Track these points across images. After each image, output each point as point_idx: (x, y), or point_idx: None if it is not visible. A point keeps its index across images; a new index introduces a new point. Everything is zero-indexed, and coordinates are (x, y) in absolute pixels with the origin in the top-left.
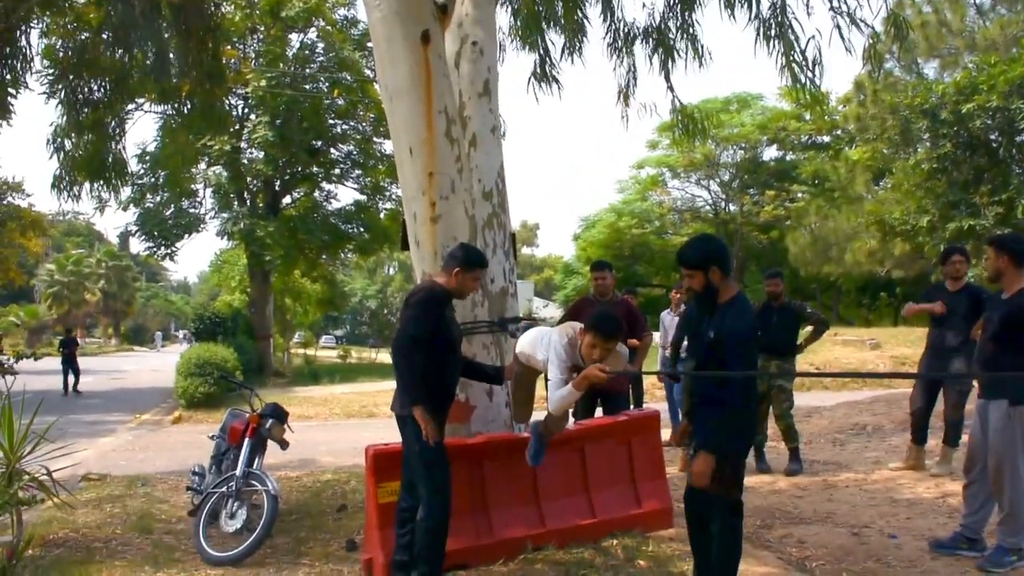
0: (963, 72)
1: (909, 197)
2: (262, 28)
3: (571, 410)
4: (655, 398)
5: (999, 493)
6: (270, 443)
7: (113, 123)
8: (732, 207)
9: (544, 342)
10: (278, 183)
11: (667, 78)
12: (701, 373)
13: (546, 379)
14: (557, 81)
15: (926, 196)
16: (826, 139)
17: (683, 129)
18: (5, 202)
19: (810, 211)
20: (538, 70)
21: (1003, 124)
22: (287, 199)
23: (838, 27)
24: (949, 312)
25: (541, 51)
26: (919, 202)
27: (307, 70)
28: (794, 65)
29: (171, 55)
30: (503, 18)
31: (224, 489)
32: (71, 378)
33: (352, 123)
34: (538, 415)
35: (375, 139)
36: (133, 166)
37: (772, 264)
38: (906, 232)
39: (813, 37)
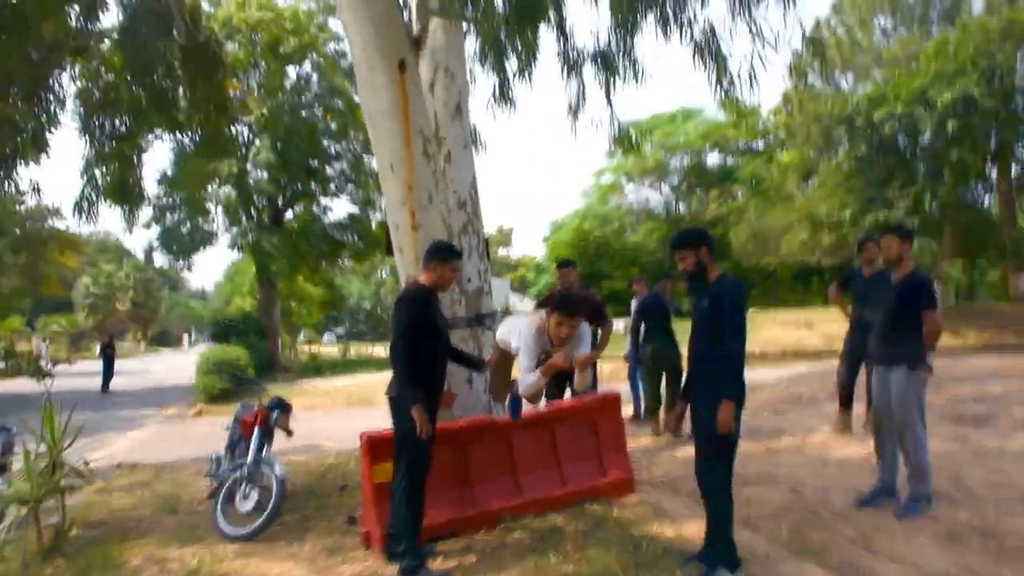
0: (873, 84)
1: (833, 194)
2: (263, 63)
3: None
4: (620, 379)
5: (904, 450)
6: (277, 431)
7: (133, 153)
8: (681, 207)
9: (516, 331)
10: (280, 199)
11: (607, 97)
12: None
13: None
14: (513, 102)
15: (847, 193)
16: (761, 145)
17: (620, 144)
18: (47, 225)
19: (749, 209)
20: (497, 92)
21: (908, 128)
22: (289, 213)
23: (758, 53)
24: (866, 293)
25: (500, 75)
26: (841, 198)
27: (303, 98)
28: (724, 82)
29: (181, 90)
30: (471, 44)
31: (238, 474)
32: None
33: (344, 143)
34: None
35: (365, 157)
36: (153, 188)
37: (718, 257)
38: (832, 225)
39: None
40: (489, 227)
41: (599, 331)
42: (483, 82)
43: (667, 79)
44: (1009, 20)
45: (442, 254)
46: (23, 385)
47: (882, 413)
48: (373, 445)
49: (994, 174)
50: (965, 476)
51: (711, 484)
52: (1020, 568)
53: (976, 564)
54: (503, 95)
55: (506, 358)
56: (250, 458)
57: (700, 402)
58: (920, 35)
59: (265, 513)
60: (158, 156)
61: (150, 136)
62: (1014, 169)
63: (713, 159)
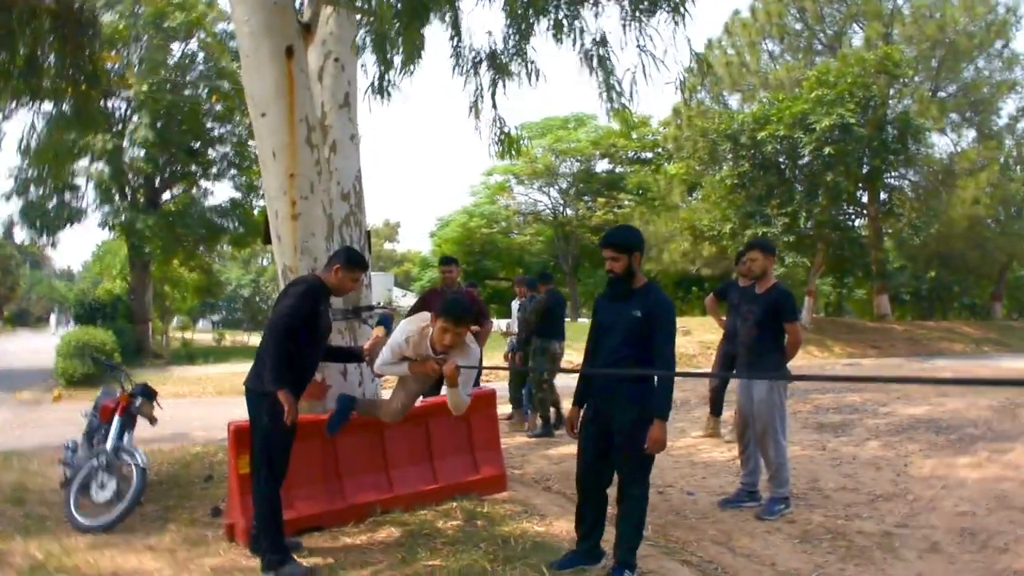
0: (759, 105)
1: (715, 207)
2: (145, 36)
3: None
4: (499, 378)
5: (765, 454)
6: (141, 419)
7: None
8: (569, 211)
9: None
10: (158, 180)
11: (493, 99)
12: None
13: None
14: (389, 94)
15: (729, 207)
16: (649, 156)
17: (501, 146)
18: None
19: (635, 217)
20: (375, 83)
21: (789, 150)
22: (167, 195)
23: (643, 66)
24: (739, 304)
25: (382, 68)
26: (723, 212)
27: (188, 77)
28: (612, 91)
29: (50, 58)
30: (363, 35)
31: (95, 462)
32: None
33: (229, 127)
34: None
35: (250, 142)
36: (16, 160)
37: (601, 262)
38: (713, 236)
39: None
40: (375, 220)
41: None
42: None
43: (566, 84)
44: (884, 55)
45: (348, 261)
46: None
47: (746, 419)
48: (240, 435)
49: (865, 198)
50: (822, 480)
51: (634, 497)
52: (864, 565)
53: (826, 562)
54: (382, 88)
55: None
56: (109, 445)
57: (620, 416)
58: (804, 62)
59: (123, 503)
60: (20, 124)
61: (13, 104)
62: (882, 195)
63: (602, 166)
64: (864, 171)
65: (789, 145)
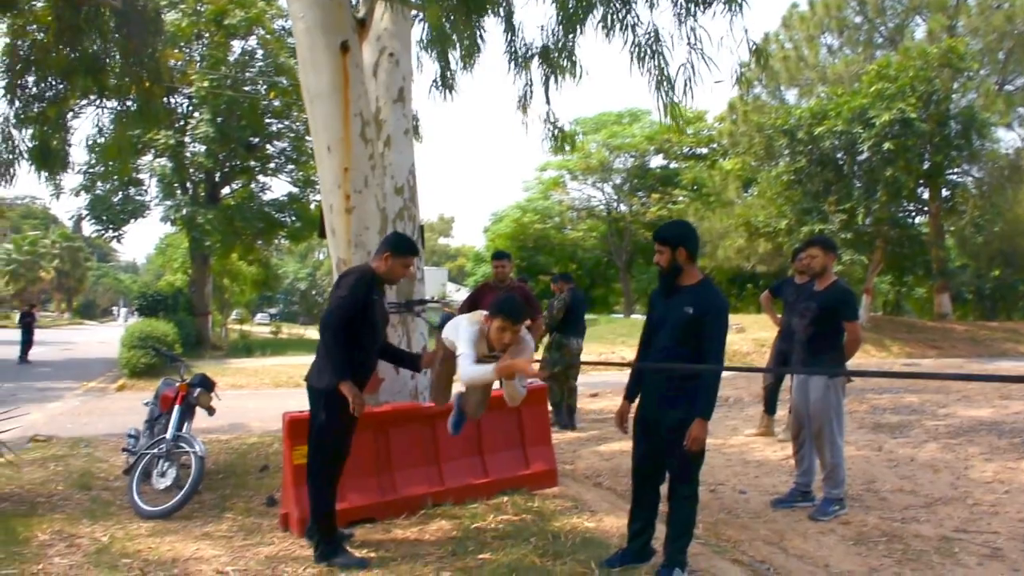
0: (816, 100)
1: (771, 203)
2: (207, 34)
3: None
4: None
5: (821, 454)
6: (199, 409)
7: (60, 116)
8: (623, 207)
9: (454, 326)
10: (218, 175)
11: (546, 94)
12: (666, 366)
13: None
14: (453, 89)
15: (785, 203)
16: (704, 151)
17: (554, 141)
18: None
19: (689, 213)
20: (438, 79)
21: (847, 145)
22: (226, 189)
23: (700, 58)
24: (795, 302)
25: (442, 63)
26: (779, 208)
27: (247, 73)
28: (663, 87)
29: (116, 55)
30: (418, 30)
31: (156, 450)
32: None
33: (287, 122)
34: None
35: (307, 137)
36: (84, 156)
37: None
38: (768, 233)
39: (682, 64)
40: (430, 215)
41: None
42: (429, 69)
43: (621, 78)
44: (948, 48)
45: (396, 247)
46: None
47: (801, 418)
48: (295, 426)
49: (926, 194)
50: (878, 482)
51: (683, 495)
52: (921, 570)
53: (881, 566)
54: (444, 83)
55: (450, 359)
56: (169, 434)
57: (668, 413)
58: (864, 56)
59: (182, 491)
60: (90, 122)
61: (82, 101)
62: (944, 191)
63: (657, 162)
64: (925, 167)
65: (848, 140)
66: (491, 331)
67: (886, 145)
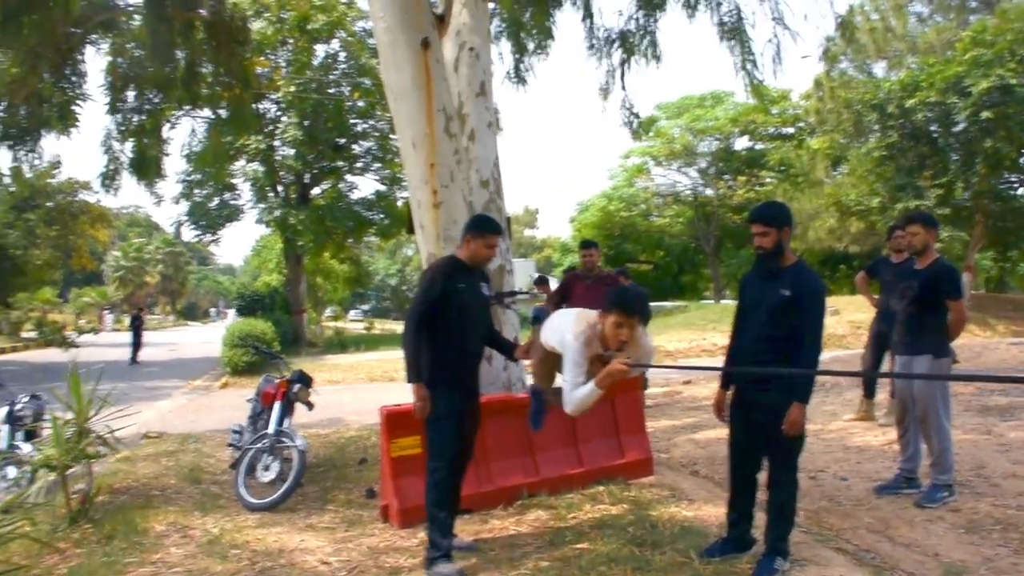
0: (907, 72)
1: (862, 181)
2: (291, 40)
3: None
4: None
5: (927, 439)
6: (299, 404)
7: (157, 127)
8: (709, 191)
9: (559, 333)
10: (307, 176)
11: (622, 79)
12: (762, 371)
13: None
14: (525, 80)
15: (877, 180)
16: (790, 131)
17: (631, 127)
18: (77, 198)
19: (777, 194)
20: (511, 70)
21: (941, 117)
22: (316, 190)
23: (789, 35)
24: (893, 281)
25: (518, 54)
26: (871, 186)
27: (331, 76)
28: (748, 66)
29: (207, 66)
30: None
31: (259, 445)
32: (134, 349)
33: (371, 122)
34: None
35: (391, 136)
36: (182, 165)
37: (744, 242)
38: (860, 212)
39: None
40: (515, 207)
41: None
42: (507, 61)
43: (702, 62)
44: None
45: (475, 228)
46: (55, 355)
47: (905, 402)
48: (392, 420)
49: None
50: (988, 467)
51: (782, 483)
52: None
53: (996, 555)
54: (519, 74)
55: (550, 359)
56: (271, 429)
57: (765, 400)
58: (957, 23)
59: (285, 484)
60: (185, 132)
61: (177, 112)
62: None
63: (742, 144)
64: None
65: (942, 112)
66: (606, 327)
67: (984, 114)
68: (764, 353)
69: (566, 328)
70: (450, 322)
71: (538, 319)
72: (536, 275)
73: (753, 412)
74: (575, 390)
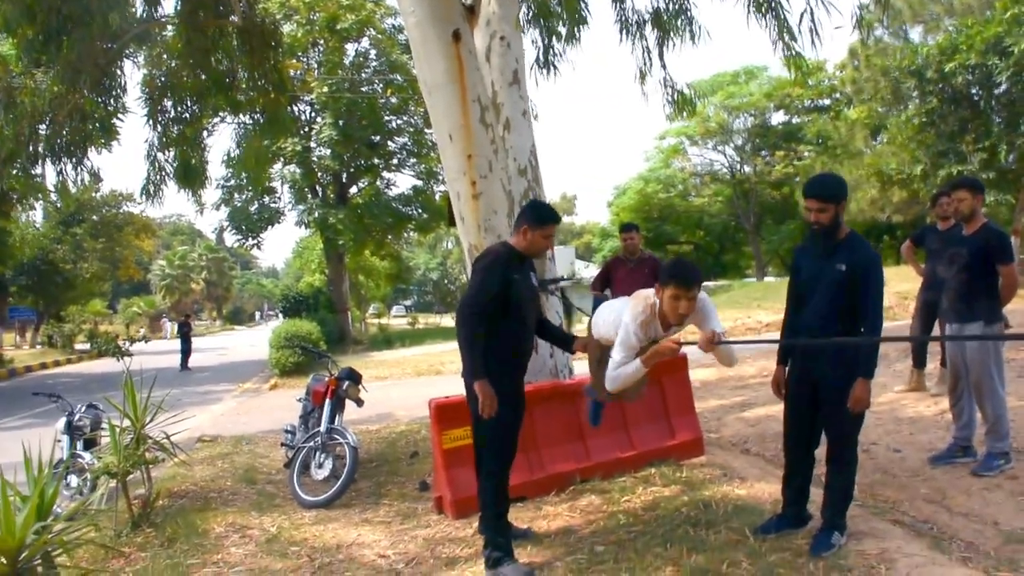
0: (944, 35)
1: (903, 149)
2: (322, 41)
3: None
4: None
5: (982, 406)
6: (348, 401)
7: (196, 136)
8: (746, 168)
9: (615, 320)
10: (344, 175)
11: (661, 59)
12: (819, 342)
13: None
14: (555, 67)
15: (918, 148)
16: (827, 102)
17: (674, 106)
18: (121, 210)
19: (816, 167)
20: (540, 57)
21: (982, 79)
22: (353, 189)
23: (810, 8)
24: (940, 249)
25: (544, 41)
26: (912, 153)
27: (363, 74)
28: (784, 37)
29: (241, 72)
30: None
31: (312, 443)
32: (184, 356)
33: (405, 118)
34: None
35: (426, 130)
36: (221, 171)
37: (784, 218)
38: (902, 181)
39: (804, 12)
40: (552, 194)
41: None
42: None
43: (733, 36)
44: None
45: (535, 218)
46: (108, 365)
47: (958, 369)
48: (442, 412)
49: None
50: None
51: (844, 459)
52: None
53: None
54: (547, 61)
55: (606, 352)
56: (322, 427)
57: (828, 375)
58: None
59: (339, 481)
60: (224, 138)
61: (215, 119)
62: None
63: (778, 118)
64: None
65: (983, 74)
66: (664, 303)
67: None
68: (827, 329)
69: (623, 310)
70: (509, 315)
71: (594, 310)
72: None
73: (819, 389)
74: (616, 369)
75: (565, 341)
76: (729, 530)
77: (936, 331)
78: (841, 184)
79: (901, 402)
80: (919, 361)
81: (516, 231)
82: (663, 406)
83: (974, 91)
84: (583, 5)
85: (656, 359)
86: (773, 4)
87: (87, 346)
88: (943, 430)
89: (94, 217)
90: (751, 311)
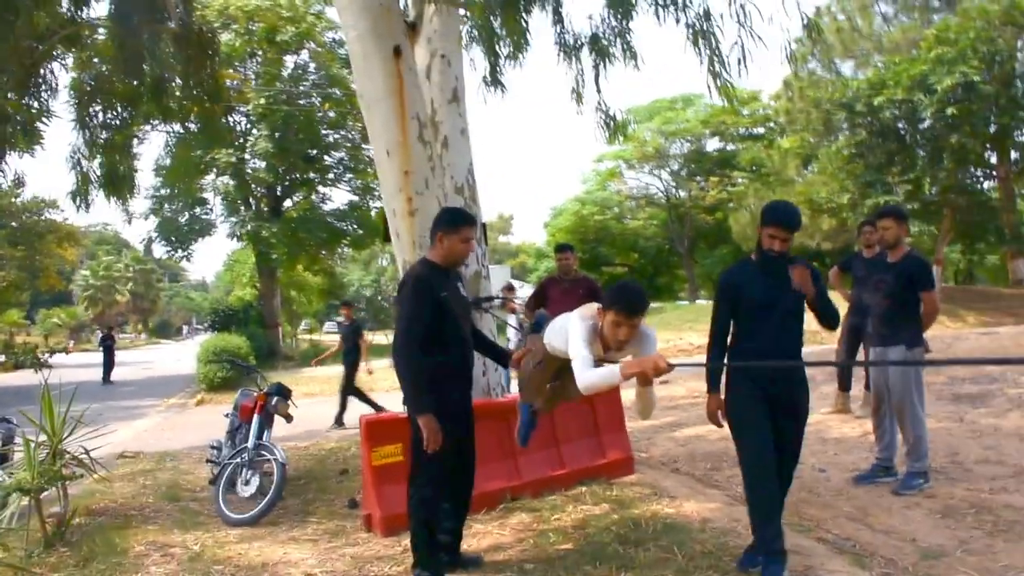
0: (873, 70)
1: (833, 179)
2: (260, 52)
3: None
4: None
5: (903, 428)
6: (277, 418)
7: (126, 143)
8: (681, 193)
9: (562, 328)
10: (279, 189)
11: (596, 83)
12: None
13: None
14: (503, 85)
15: (847, 178)
16: (761, 131)
17: (608, 130)
18: (43, 217)
19: (749, 194)
20: (487, 76)
21: (908, 114)
22: (288, 202)
23: (753, 36)
24: (865, 276)
25: (491, 59)
26: (841, 183)
27: (301, 87)
28: (716, 67)
29: (175, 80)
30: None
31: (238, 460)
32: (107, 369)
33: (343, 132)
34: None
35: (363, 145)
36: (151, 180)
37: (718, 242)
38: (831, 209)
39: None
40: (489, 214)
41: None
42: (478, 68)
43: (672, 65)
44: (1010, 5)
45: (447, 222)
46: (23, 378)
47: (881, 392)
48: (372, 429)
49: (993, 159)
50: (962, 453)
51: (791, 478)
52: (1014, 541)
53: (971, 538)
54: (495, 79)
55: (550, 360)
56: (250, 443)
57: (801, 398)
58: (921, 22)
59: (266, 498)
60: (155, 147)
61: (146, 126)
62: (1013, 154)
63: (713, 145)
64: (992, 131)
65: (908, 109)
66: (605, 326)
67: (949, 111)
68: (790, 352)
69: (572, 316)
70: (446, 334)
71: (539, 325)
72: (508, 282)
73: (799, 414)
74: (594, 368)
75: (500, 356)
76: (658, 548)
77: (860, 355)
78: (799, 215)
79: (827, 423)
80: (845, 384)
81: (432, 243)
82: (594, 424)
83: (900, 125)
84: (524, 25)
85: (637, 371)
86: (706, 34)
87: (1, 358)
88: (866, 451)
89: (13, 224)
90: (683, 332)
